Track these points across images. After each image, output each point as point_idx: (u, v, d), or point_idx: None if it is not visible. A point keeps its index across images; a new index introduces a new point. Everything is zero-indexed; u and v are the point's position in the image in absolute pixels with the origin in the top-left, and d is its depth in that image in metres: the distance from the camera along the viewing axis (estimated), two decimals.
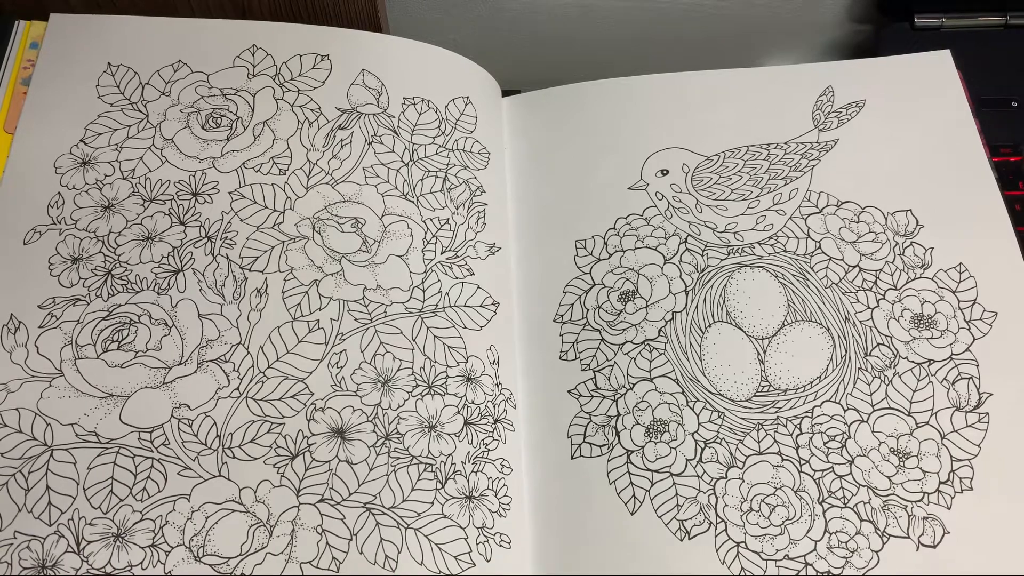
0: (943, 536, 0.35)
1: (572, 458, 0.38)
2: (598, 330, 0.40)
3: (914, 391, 0.38)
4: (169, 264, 0.39)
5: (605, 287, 0.41)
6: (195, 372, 0.37)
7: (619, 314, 0.40)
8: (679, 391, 0.39)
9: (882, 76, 0.45)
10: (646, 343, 0.40)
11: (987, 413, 0.37)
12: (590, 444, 0.38)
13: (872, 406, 0.38)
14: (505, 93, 0.47)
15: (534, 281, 0.42)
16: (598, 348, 0.40)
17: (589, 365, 0.40)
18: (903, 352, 0.39)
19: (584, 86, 0.46)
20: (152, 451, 0.35)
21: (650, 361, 0.39)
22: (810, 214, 0.42)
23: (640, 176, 0.43)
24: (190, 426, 0.36)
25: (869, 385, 0.38)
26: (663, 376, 0.39)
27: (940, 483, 0.36)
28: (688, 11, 0.59)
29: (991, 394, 0.38)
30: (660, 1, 0.58)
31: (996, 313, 0.39)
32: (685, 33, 0.61)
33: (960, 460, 0.37)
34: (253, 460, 0.35)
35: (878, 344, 0.39)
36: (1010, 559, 0.35)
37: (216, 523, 0.34)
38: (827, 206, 0.42)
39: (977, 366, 0.38)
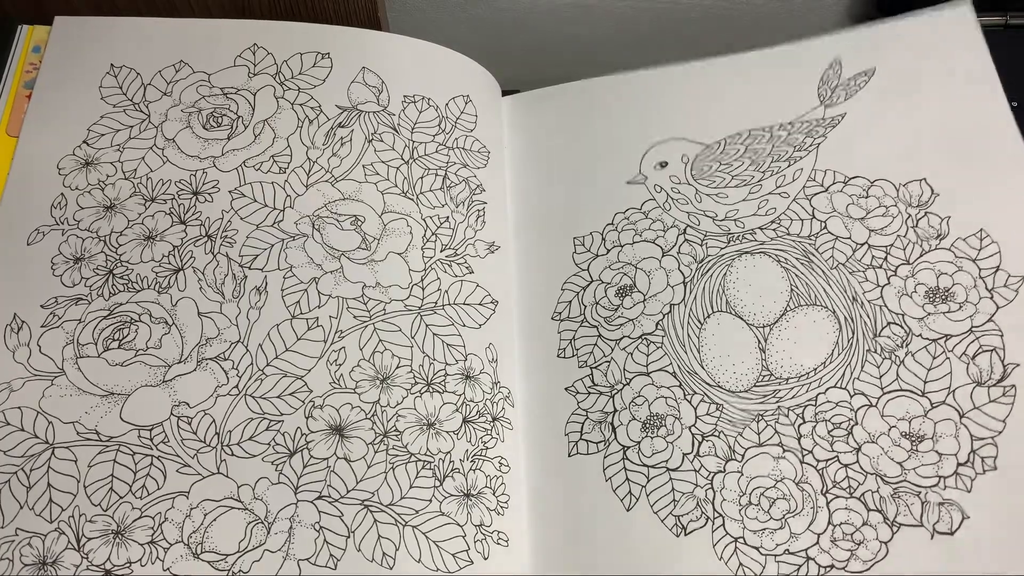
0: (962, 521, 0.33)
1: (569, 456, 0.38)
2: (595, 326, 0.40)
3: (928, 370, 0.36)
4: (170, 263, 0.39)
5: (603, 283, 0.41)
6: (195, 370, 0.37)
7: (616, 309, 0.40)
8: (676, 384, 0.38)
9: (894, 40, 0.42)
10: (643, 337, 0.39)
11: (1013, 386, 0.35)
12: (587, 441, 0.38)
13: (882, 389, 0.36)
14: (505, 93, 0.47)
15: (533, 279, 0.42)
16: (595, 344, 0.40)
17: (586, 362, 0.39)
18: (916, 329, 0.37)
19: (583, 84, 0.46)
20: (152, 449, 0.35)
21: (647, 355, 0.39)
22: (815, 194, 0.40)
23: (639, 170, 0.43)
24: (189, 424, 0.36)
25: (879, 367, 0.36)
26: (660, 370, 0.38)
27: (959, 465, 0.34)
28: (688, 11, 0.59)
29: (1017, 364, 0.35)
30: (660, 1, 0.58)
31: (1023, 278, 0.37)
32: (684, 33, 0.61)
33: (982, 439, 0.34)
34: (251, 457, 0.35)
35: (889, 323, 0.37)
36: None
37: (214, 520, 0.34)
38: (833, 184, 0.40)
39: (1001, 336, 0.36)
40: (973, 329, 0.36)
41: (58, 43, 0.43)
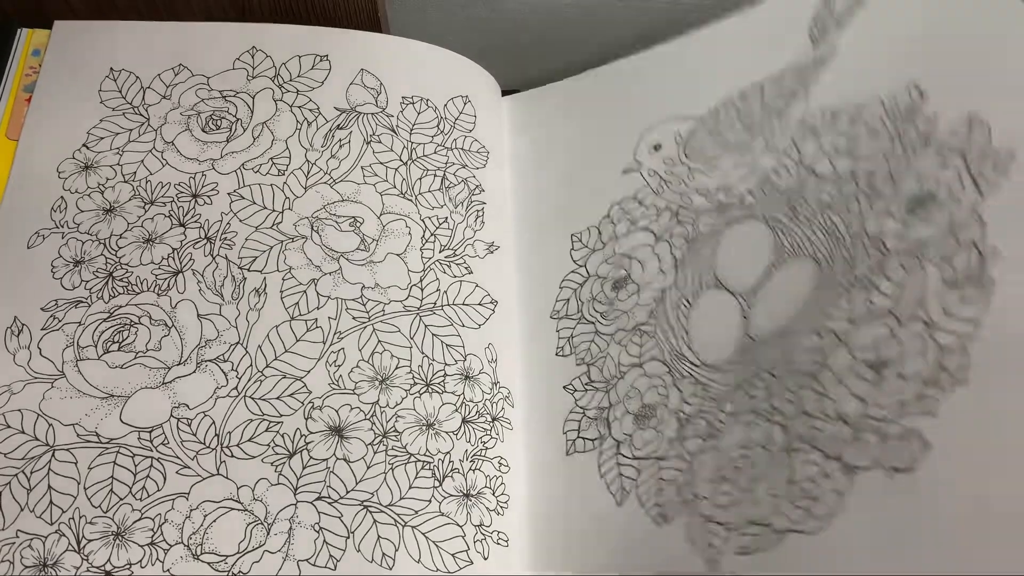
0: (924, 452, 0.29)
1: (567, 454, 0.38)
2: (592, 322, 0.40)
3: (902, 288, 0.32)
4: (169, 265, 0.39)
5: (599, 278, 0.41)
6: (194, 372, 0.37)
7: (612, 303, 0.40)
8: (666, 371, 0.37)
9: None
10: (637, 328, 0.39)
11: (992, 278, 0.30)
12: (584, 439, 0.38)
13: (850, 321, 0.32)
14: (505, 93, 0.47)
15: (532, 279, 0.42)
16: (592, 341, 0.39)
17: (584, 359, 0.39)
18: (893, 245, 0.33)
19: (580, 78, 0.46)
20: (151, 450, 0.35)
21: (640, 346, 0.38)
22: (803, 138, 0.38)
23: (633, 157, 0.42)
24: (189, 425, 0.36)
25: (851, 301, 0.33)
26: (652, 359, 0.38)
27: (924, 384, 0.30)
28: (688, 12, 0.59)
29: (998, 252, 0.30)
30: (660, 1, 0.58)
31: (1013, 153, 0.31)
32: (684, 33, 0.60)
33: (951, 349, 0.29)
34: (251, 458, 0.35)
35: (866, 249, 0.33)
36: (1016, 463, 0.27)
37: (214, 521, 0.34)
38: (821, 123, 0.37)
39: (983, 226, 0.31)
40: (952, 225, 0.32)
41: (58, 47, 0.44)
